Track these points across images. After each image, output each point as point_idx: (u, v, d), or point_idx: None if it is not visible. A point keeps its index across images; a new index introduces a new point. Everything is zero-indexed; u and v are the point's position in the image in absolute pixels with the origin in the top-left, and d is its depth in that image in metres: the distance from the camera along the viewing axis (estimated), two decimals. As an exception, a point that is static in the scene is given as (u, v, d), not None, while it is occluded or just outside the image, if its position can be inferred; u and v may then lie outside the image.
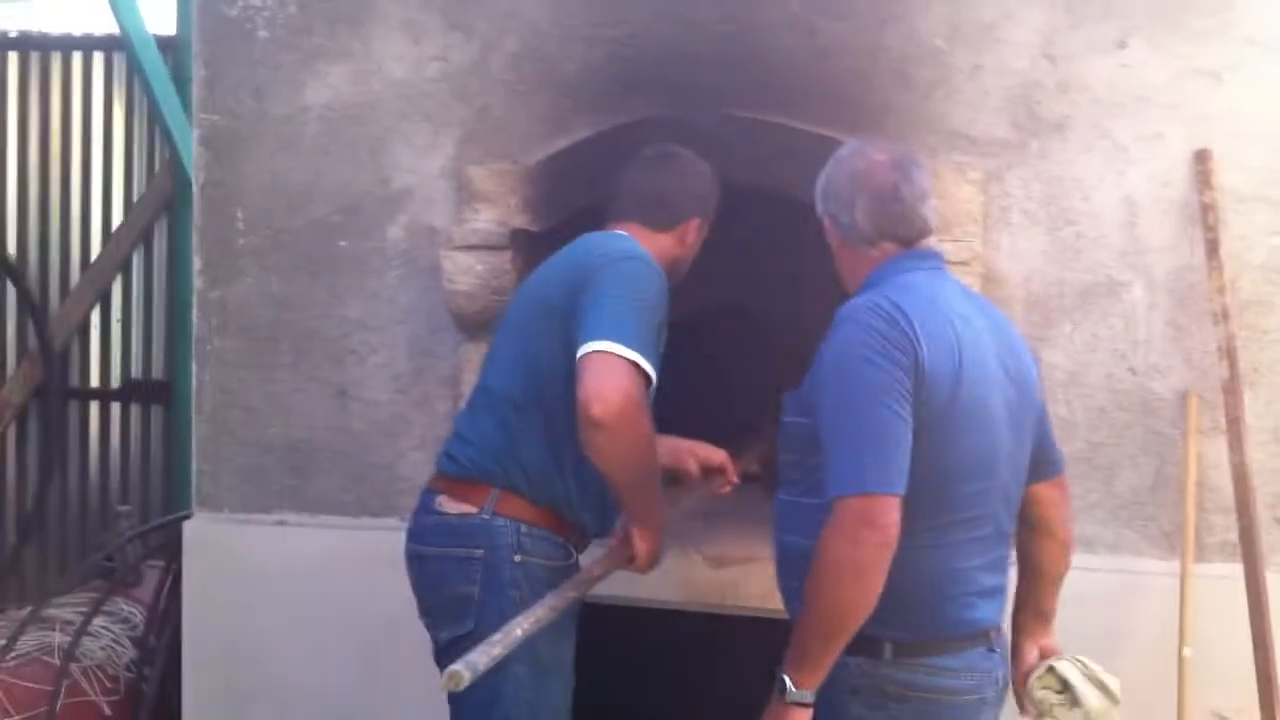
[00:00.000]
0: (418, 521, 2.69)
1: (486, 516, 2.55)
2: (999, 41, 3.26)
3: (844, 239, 2.38)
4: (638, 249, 2.62)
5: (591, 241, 2.69)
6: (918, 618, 2.17)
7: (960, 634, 2.21)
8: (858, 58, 3.32)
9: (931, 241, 2.41)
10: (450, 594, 2.56)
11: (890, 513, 2.01)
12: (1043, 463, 2.38)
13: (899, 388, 2.05)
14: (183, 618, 3.81)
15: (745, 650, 3.80)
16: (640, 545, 2.59)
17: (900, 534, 2.03)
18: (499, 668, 2.48)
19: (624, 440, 2.35)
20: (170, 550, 4.14)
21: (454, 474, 2.63)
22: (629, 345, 2.35)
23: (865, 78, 3.32)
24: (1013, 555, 2.38)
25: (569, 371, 2.42)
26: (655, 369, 2.43)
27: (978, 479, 2.17)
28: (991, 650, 2.26)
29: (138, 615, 4.13)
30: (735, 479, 3.12)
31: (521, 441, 2.57)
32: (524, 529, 2.55)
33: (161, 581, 4.13)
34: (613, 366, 2.33)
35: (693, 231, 2.84)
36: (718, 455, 3.07)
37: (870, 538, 2.00)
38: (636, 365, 2.35)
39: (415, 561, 2.67)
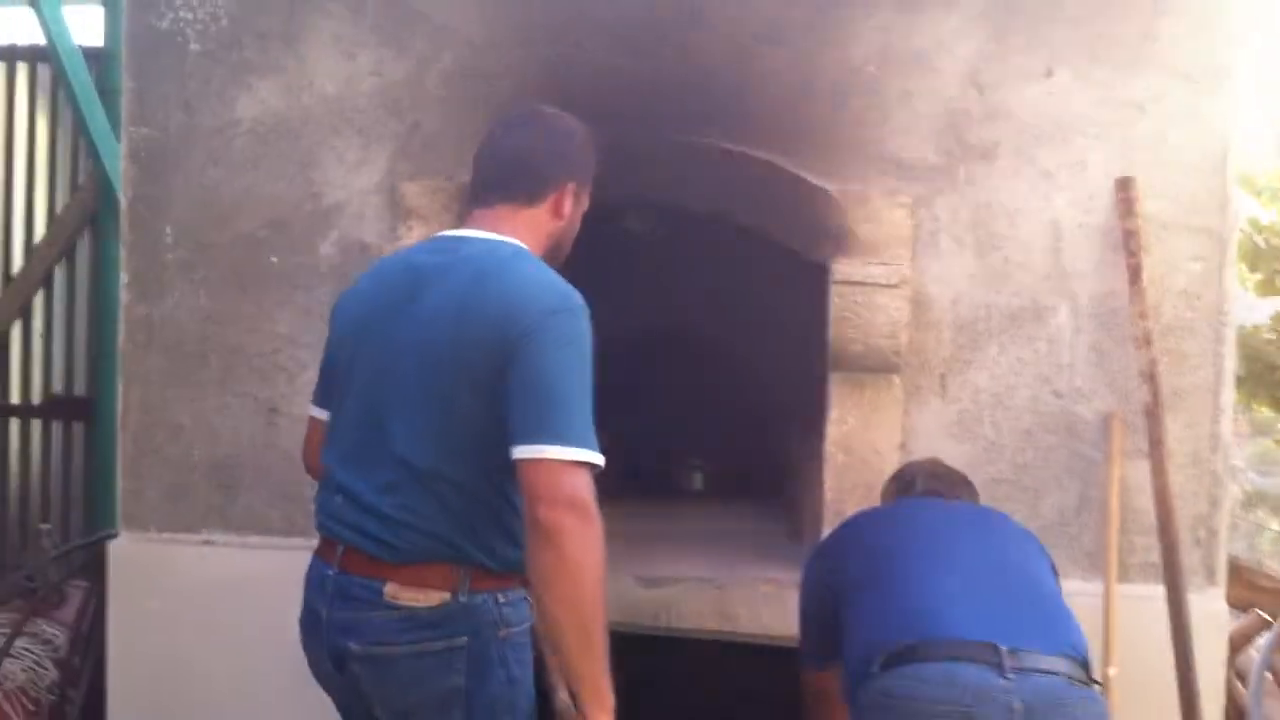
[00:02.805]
0: (358, 616, 2.22)
1: (464, 599, 2.18)
2: (929, 69, 3.31)
3: None
4: (558, 286, 2.21)
5: (498, 276, 2.22)
6: (889, 634, 2.37)
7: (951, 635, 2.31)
8: (792, 83, 3.34)
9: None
10: (432, 691, 2.20)
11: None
12: None
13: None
14: (107, 638, 3.74)
15: (681, 670, 3.83)
16: None
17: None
18: None
19: (579, 559, 2.02)
20: (93, 570, 4.07)
21: (399, 560, 2.20)
22: (578, 442, 2.06)
23: (799, 103, 3.35)
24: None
25: (500, 434, 2.11)
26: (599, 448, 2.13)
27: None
28: None
29: (60, 636, 4.05)
30: None
31: (474, 520, 2.20)
32: (501, 598, 2.22)
33: (85, 602, 4.06)
34: (566, 476, 2.04)
35: (568, 199, 2.41)
36: None
37: None
38: (587, 464, 2.06)
39: (370, 664, 2.22)
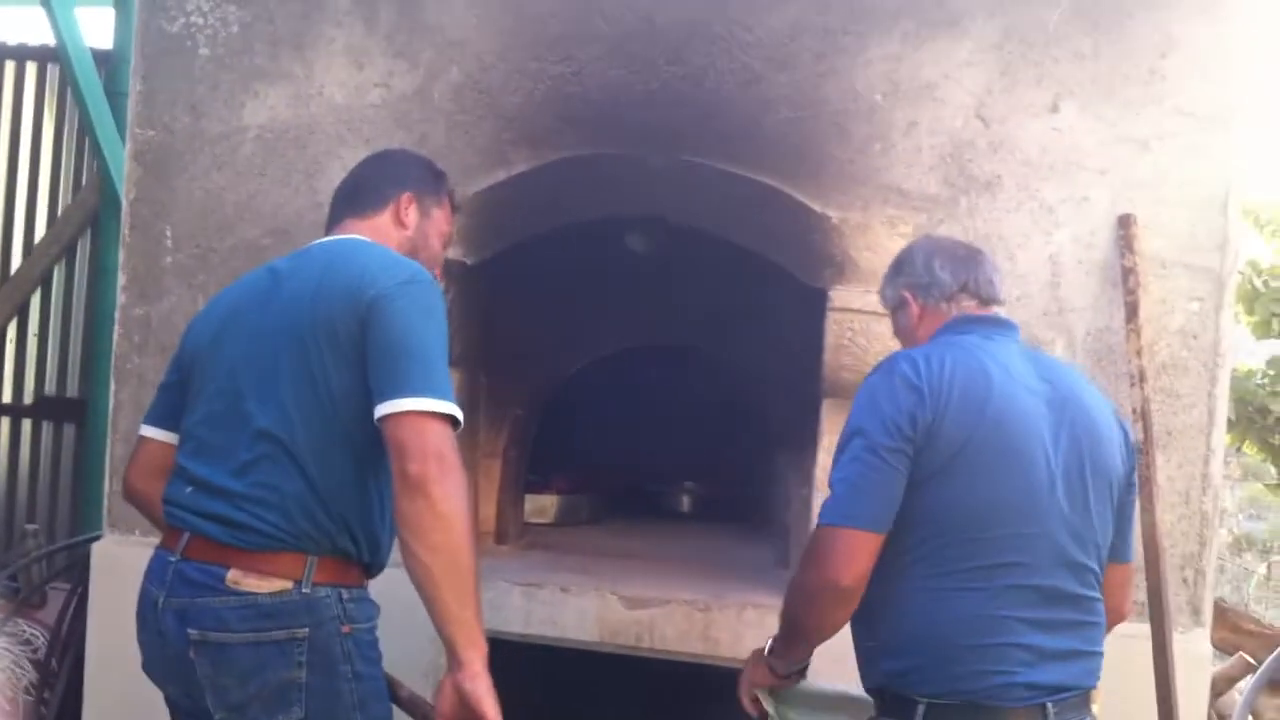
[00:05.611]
0: (196, 602, 2.19)
1: (306, 590, 2.17)
2: (935, 100, 3.31)
3: (924, 301, 2.45)
4: (409, 262, 2.33)
5: (351, 255, 2.33)
6: (951, 670, 2.12)
7: (1002, 702, 2.10)
8: (799, 108, 3.35)
9: (1003, 312, 2.45)
10: (268, 681, 2.16)
11: (863, 546, 2.11)
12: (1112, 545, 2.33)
13: (897, 436, 2.13)
14: (88, 640, 3.70)
15: (661, 690, 3.81)
16: (476, 686, 2.05)
17: (924, 577, 2.13)
18: None
19: (448, 506, 2.05)
20: (77, 572, 4.05)
21: (247, 545, 2.18)
22: (439, 395, 2.12)
23: (805, 129, 3.36)
24: (1095, 628, 2.26)
25: (364, 403, 2.16)
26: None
27: (1011, 524, 2.14)
28: None
29: (40, 638, 4.04)
30: None
31: (339, 497, 2.22)
32: (345, 594, 2.22)
33: (66, 603, 4.04)
34: (430, 428, 2.09)
35: (409, 209, 2.52)
36: None
37: (845, 569, 2.11)
38: (451, 418, 2.12)
39: (207, 651, 2.18)
